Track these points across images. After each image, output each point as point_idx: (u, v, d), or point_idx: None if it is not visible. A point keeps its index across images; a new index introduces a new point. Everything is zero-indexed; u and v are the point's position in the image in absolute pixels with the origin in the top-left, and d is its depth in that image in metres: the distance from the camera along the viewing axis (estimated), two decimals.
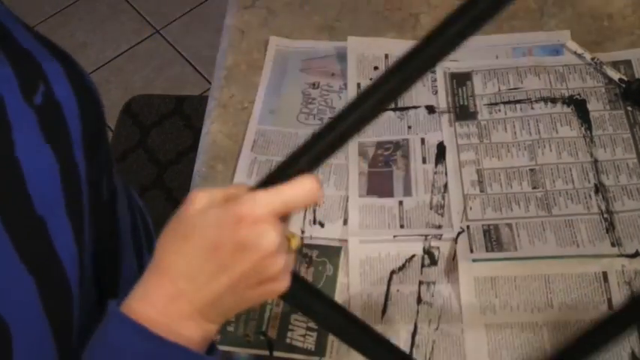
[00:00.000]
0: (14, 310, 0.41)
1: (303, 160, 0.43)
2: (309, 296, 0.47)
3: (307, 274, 0.72)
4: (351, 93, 0.85)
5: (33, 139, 0.45)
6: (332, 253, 0.73)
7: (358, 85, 0.85)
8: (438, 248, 0.72)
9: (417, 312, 0.68)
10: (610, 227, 0.71)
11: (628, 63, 0.83)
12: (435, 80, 0.84)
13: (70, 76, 0.50)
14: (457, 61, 0.85)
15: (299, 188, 0.41)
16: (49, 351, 0.44)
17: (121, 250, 0.56)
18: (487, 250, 0.71)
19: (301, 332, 0.69)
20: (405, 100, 0.84)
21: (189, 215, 0.41)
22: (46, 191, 0.45)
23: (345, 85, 0.86)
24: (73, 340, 0.46)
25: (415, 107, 0.83)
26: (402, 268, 0.71)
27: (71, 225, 0.46)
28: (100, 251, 0.52)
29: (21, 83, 0.45)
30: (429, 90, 0.84)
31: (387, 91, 0.42)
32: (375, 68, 0.87)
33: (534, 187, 0.75)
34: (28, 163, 0.44)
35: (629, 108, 0.79)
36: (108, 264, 0.55)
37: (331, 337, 0.68)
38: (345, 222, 0.75)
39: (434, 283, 0.70)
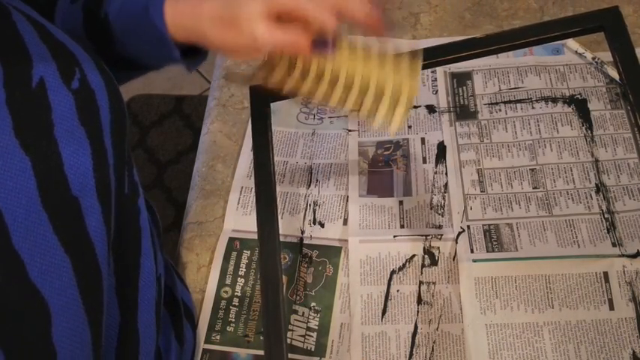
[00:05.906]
0: (54, 291, 0.42)
1: None
2: None
3: (307, 274, 0.72)
4: None
5: (70, 121, 0.46)
6: (332, 253, 0.73)
7: None
8: (438, 248, 0.72)
9: (417, 312, 0.68)
10: (611, 227, 0.70)
11: None
12: (436, 80, 0.84)
13: (99, 67, 0.51)
14: None
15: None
16: (85, 338, 0.44)
17: (142, 248, 0.57)
18: (487, 250, 0.71)
19: (301, 332, 0.69)
20: None
21: None
22: (80, 173, 0.46)
23: None
24: (102, 331, 0.46)
25: (415, 107, 0.83)
26: (402, 268, 0.71)
27: (101, 209, 0.47)
28: (123, 245, 0.52)
29: (59, 68, 0.47)
30: (429, 89, 0.84)
31: None
32: None
33: (535, 187, 0.75)
34: (66, 144, 0.45)
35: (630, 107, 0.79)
36: (132, 260, 0.55)
37: (331, 337, 0.68)
38: (345, 222, 0.75)
39: (434, 283, 0.70)
